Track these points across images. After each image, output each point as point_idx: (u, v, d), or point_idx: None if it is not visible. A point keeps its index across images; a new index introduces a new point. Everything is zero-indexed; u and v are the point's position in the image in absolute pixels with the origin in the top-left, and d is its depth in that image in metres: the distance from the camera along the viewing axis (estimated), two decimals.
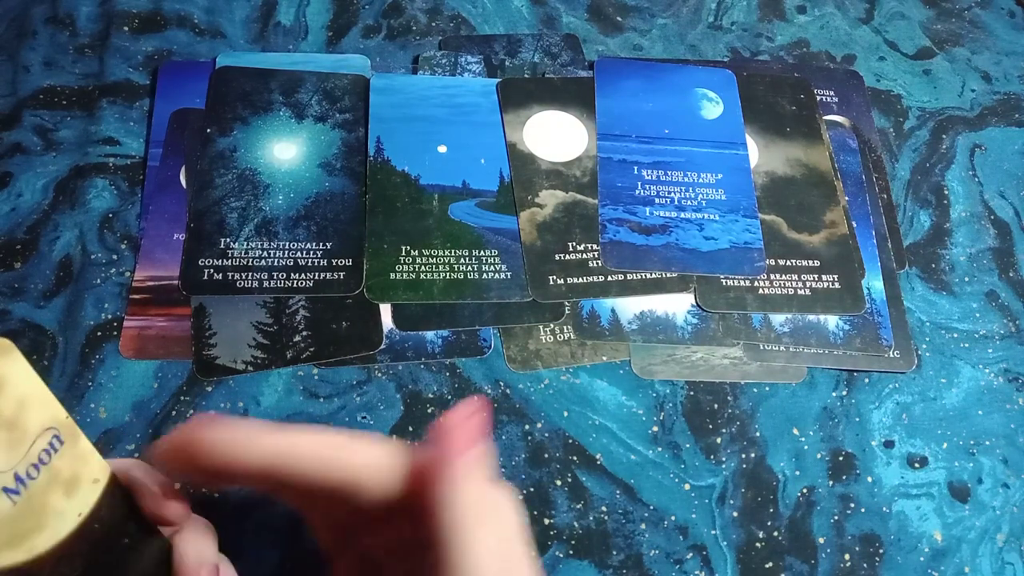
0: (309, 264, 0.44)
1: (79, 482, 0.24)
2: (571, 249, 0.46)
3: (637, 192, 0.48)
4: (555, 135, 0.49)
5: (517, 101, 0.50)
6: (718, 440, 0.42)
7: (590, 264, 0.45)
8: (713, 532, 0.39)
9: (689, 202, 0.48)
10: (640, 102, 0.51)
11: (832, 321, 0.45)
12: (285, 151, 0.47)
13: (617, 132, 0.50)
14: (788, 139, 0.51)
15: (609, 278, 0.45)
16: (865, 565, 0.39)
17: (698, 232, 0.47)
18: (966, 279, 0.48)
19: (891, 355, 0.44)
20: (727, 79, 0.53)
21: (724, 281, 0.45)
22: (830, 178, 0.50)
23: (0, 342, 0.21)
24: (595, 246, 0.46)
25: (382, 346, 0.42)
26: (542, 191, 0.47)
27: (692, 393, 0.43)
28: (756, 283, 0.45)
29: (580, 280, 0.45)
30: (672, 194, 0.48)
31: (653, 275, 0.45)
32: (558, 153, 0.49)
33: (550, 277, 0.45)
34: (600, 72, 0.52)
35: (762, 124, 0.51)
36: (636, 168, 0.49)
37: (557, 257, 0.45)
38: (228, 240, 0.44)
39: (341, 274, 0.44)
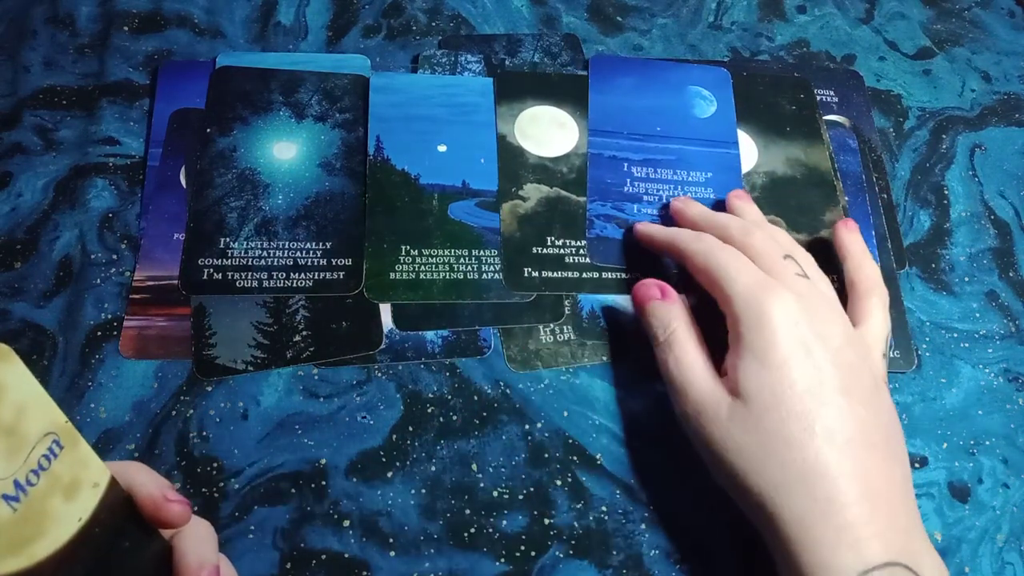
0: (309, 264, 0.44)
1: (79, 487, 0.24)
2: (549, 243, 0.46)
3: (626, 189, 0.48)
4: (546, 130, 0.49)
5: (511, 95, 0.50)
6: None
7: (566, 260, 0.45)
8: (714, 532, 0.39)
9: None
10: (634, 99, 0.51)
11: None
12: (285, 151, 0.47)
13: (609, 128, 0.50)
14: (788, 139, 0.51)
15: (584, 275, 0.45)
16: None
17: None
18: (966, 279, 0.48)
19: (891, 355, 0.44)
20: (722, 77, 0.53)
21: None
22: (830, 178, 0.50)
23: None
24: (574, 242, 0.46)
25: (382, 346, 0.42)
26: (527, 184, 0.47)
27: None
28: None
29: (554, 274, 0.45)
30: (661, 192, 0.48)
31: (628, 276, 0.45)
32: (547, 148, 0.49)
33: (524, 268, 0.45)
34: (595, 69, 0.52)
35: (762, 124, 0.51)
36: (626, 165, 0.49)
37: (534, 250, 0.45)
38: (228, 240, 0.44)
39: (341, 274, 0.44)
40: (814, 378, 0.34)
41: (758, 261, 0.38)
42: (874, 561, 0.30)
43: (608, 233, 0.46)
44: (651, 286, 0.41)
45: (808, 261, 0.40)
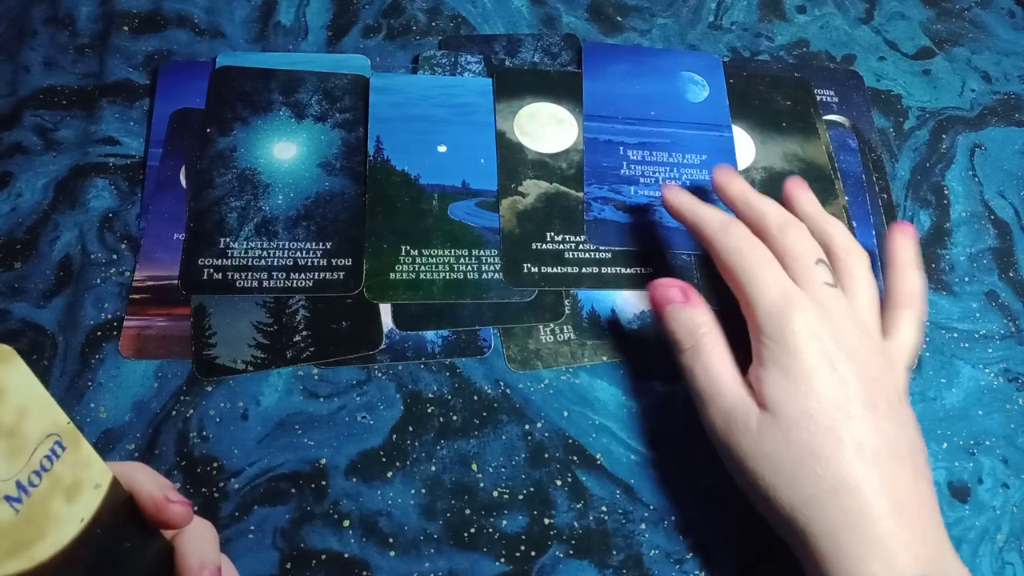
0: (309, 264, 0.44)
1: (81, 488, 0.24)
2: (549, 239, 0.46)
3: (622, 172, 0.48)
4: (545, 126, 0.50)
5: (510, 92, 0.51)
6: None
7: (566, 255, 0.45)
8: (713, 532, 0.39)
9: (674, 182, 0.48)
10: (627, 85, 0.52)
11: None
12: (285, 151, 0.47)
13: (604, 113, 0.50)
14: (785, 135, 0.51)
15: (583, 270, 0.45)
16: None
17: None
18: (966, 279, 0.48)
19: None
20: (713, 63, 0.53)
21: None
22: (828, 172, 0.50)
23: (0, 348, 0.21)
24: (573, 237, 0.46)
25: (382, 346, 0.42)
26: (526, 180, 0.48)
27: None
28: None
29: (554, 270, 0.45)
30: (657, 174, 0.48)
31: (628, 270, 0.45)
32: (546, 144, 0.49)
33: (524, 265, 0.45)
34: (588, 56, 0.52)
35: (758, 120, 0.51)
36: (622, 148, 0.49)
37: (534, 246, 0.46)
38: (228, 240, 0.44)
39: (341, 274, 0.44)
40: (840, 392, 0.33)
41: (788, 262, 0.37)
42: (905, 573, 0.30)
43: (606, 215, 0.46)
44: (670, 287, 0.38)
45: (860, 261, 0.38)
